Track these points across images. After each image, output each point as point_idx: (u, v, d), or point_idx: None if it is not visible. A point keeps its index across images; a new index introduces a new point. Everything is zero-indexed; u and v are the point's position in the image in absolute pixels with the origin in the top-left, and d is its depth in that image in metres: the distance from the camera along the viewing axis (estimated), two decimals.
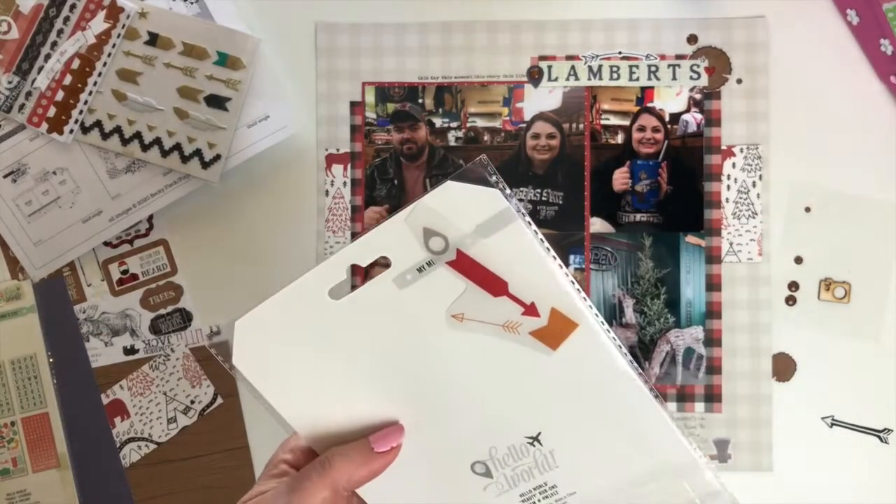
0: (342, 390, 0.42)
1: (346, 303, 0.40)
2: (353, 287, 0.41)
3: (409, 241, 0.39)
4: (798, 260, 0.64)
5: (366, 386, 0.42)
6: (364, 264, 0.40)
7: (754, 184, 0.64)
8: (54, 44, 0.62)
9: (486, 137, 0.64)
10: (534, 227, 0.40)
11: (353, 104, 0.65)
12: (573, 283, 0.40)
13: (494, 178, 0.39)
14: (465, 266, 0.40)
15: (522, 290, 0.40)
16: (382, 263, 0.40)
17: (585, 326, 0.40)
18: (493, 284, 0.40)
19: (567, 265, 0.64)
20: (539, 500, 0.44)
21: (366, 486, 0.42)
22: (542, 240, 0.40)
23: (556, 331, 0.40)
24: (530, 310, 0.40)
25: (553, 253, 0.40)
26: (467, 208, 0.39)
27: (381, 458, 0.41)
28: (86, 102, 0.62)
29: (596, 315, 0.40)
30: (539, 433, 0.42)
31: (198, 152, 0.62)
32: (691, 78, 0.64)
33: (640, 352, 0.64)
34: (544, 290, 0.40)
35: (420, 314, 0.41)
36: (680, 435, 0.42)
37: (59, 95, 0.62)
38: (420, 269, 0.40)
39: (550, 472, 0.43)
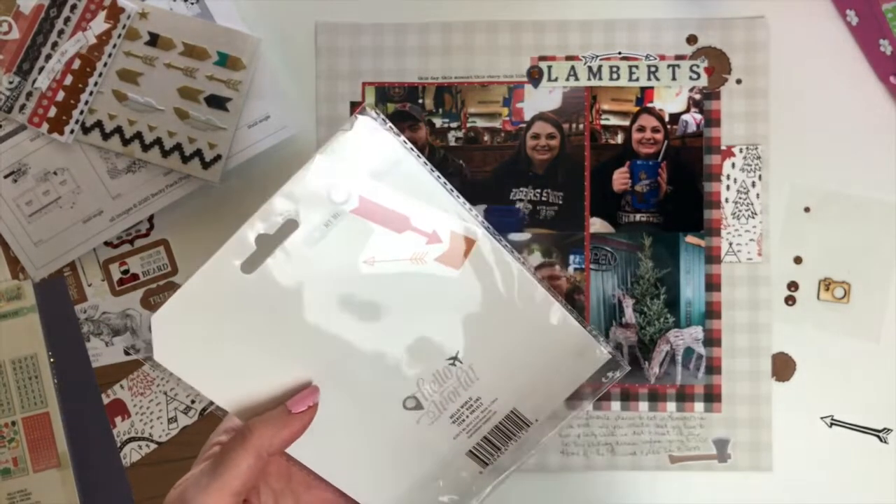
0: (266, 361, 0.43)
1: (259, 274, 0.41)
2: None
3: (312, 199, 0.41)
4: (798, 260, 0.64)
5: (288, 352, 0.43)
6: (272, 232, 0.40)
7: (754, 184, 0.64)
8: (55, 44, 0.62)
9: (486, 137, 0.64)
10: (423, 159, 0.42)
11: (353, 104, 0.65)
12: (464, 203, 0.43)
13: (381, 119, 0.41)
14: (369, 210, 0.42)
15: (423, 221, 0.42)
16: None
17: (480, 241, 0.43)
18: (397, 222, 0.42)
19: (567, 265, 0.64)
20: (467, 416, 0.46)
21: (297, 445, 0.43)
22: (431, 169, 0.42)
23: (457, 252, 0.43)
24: (433, 238, 0.43)
25: (443, 179, 0.42)
26: (363, 156, 0.41)
27: (298, 418, 0.42)
28: (86, 103, 0.62)
29: (486, 227, 0.43)
30: (458, 352, 0.45)
31: (198, 152, 0.63)
32: (691, 78, 0.64)
33: (640, 352, 0.64)
34: (442, 216, 0.42)
35: (333, 268, 0.42)
36: (574, 320, 0.45)
37: (60, 96, 0.62)
38: (327, 224, 0.41)
39: (472, 387, 0.45)
